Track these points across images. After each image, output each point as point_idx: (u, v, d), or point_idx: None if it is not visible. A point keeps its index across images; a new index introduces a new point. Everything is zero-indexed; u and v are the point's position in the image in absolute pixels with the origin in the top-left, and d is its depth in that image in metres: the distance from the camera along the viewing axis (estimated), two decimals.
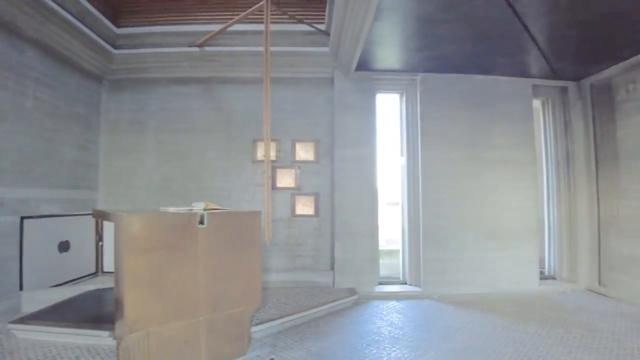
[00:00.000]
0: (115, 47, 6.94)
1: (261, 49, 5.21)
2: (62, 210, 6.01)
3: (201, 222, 3.63)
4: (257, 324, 4.48)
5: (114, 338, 3.66)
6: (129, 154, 7.07)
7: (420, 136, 6.54)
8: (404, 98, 6.86)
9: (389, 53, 5.95)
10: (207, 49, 6.80)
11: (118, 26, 6.94)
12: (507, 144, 6.62)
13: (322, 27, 6.65)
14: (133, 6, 6.92)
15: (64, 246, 5.87)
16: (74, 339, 4.02)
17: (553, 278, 6.92)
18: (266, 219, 4.99)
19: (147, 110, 7.11)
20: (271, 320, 4.67)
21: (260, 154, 6.89)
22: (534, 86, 6.80)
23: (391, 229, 7.46)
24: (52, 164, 5.88)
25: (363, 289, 6.26)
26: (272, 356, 3.89)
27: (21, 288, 5.13)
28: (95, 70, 6.73)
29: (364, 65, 6.23)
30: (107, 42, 6.75)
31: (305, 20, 6.61)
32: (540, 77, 6.72)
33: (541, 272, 6.80)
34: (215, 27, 6.47)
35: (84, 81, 6.60)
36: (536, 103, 7.12)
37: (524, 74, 6.58)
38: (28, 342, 4.04)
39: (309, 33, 6.71)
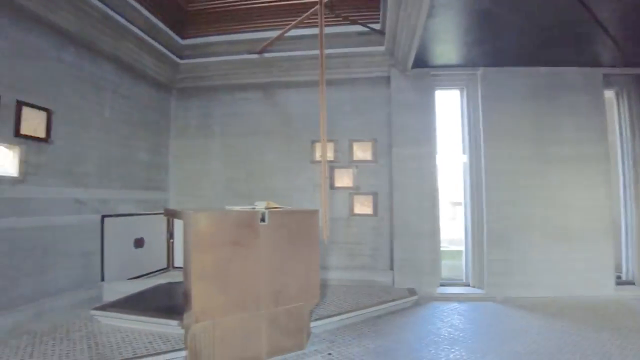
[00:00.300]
0: (181, 58, 7.43)
1: (317, 52, 5.33)
2: (137, 210, 6.53)
3: (262, 220, 3.83)
4: (316, 320, 4.59)
5: (183, 327, 3.94)
6: (196, 157, 7.54)
7: (483, 133, 6.33)
8: (465, 94, 6.68)
9: (447, 49, 5.85)
10: (266, 55, 7.06)
11: (183, 38, 7.40)
12: (577, 139, 6.22)
13: (376, 26, 6.66)
14: (196, 18, 7.33)
15: (139, 242, 6.38)
16: (147, 327, 4.35)
17: (631, 283, 6.38)
18: (324, 218, 5.09)
19: (212, 116, 7.54)
20: (330, 316, 4.76)
21: (318, 154, 7.03)
22: (605, 76, 6.33)
23: (456, 229, 7.25)
24: (128, 167, 6.42)
25: (424, 289, 6.17)
26: (330, 351, 3.97)
27: (102, 279, 5.67)
28: (164, 80, 7.25)
29: (421, 62, 6.16)
30: (174, 53, 7.24)
31: (359, 21, 6.66)
32: (612, 66, 6.25)
33: (618, 277, 6.30)
34: (273, 34, 6.71)
35: (154, 91, 7.13)
36: (609, 94, 6.61)
37: (593, 63, 6.16)
38: (108, 327, 4.45)
39: (364, 33, 6.74)
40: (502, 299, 5.94)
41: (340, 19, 6.55)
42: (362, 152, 7.04)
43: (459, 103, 6.82)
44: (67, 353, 3.70)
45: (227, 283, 3.60)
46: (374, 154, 7.00)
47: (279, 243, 3.90)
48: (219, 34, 7.28)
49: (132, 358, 3.59)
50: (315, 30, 5.45)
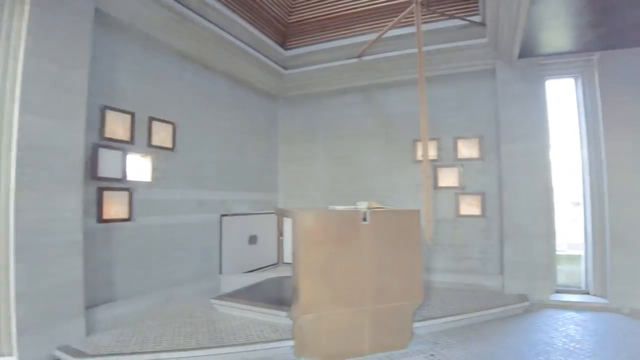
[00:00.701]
0: (286, 69, 7.92)
1: (416, 50, 5.30)
2: (250, 209, 7.14)
3: (364, 219, 3.96)
4: (419, 320, 4.58)
5: (291, 318, 4.24)
6: (302, 160, 7.98)
7: (602, 124, 5.69)
8: (579, 82, 6.07)
9: (555, 35, 5.39)
10: (365, 58, 7.19)
11: (287, 49, 7.88)
12: None
13: (476, 18, 6.36)
14: (297, 30, 7.74)
15: (252, 239, 6.95)
16: (258, 316, 4.76)
17: None
18: (426, 218, 5.02)
19: (316, 121, 7.91)
20: (433, 318, 4.71)
21: (419, 153, 6.93)
22: None
23: (577, 231, 6.58)
24: (241, 171, 7.05)
25: (536, 296, 5.73)
26: (432, 352, 3.94)
27: (220, 272, 6.31)
28: (271, 90, 7.81)
29: (527, 51, 5.76)
30: (279, 65, 7.75)
31: (457, 15, 6.42)
32: None
33: None
34: (371, 37, 6.81)
35: (263, 101, 7.72)
36: None
37: None
38: (225, 314, 4.97)
39: (464, 27, 6.49)
40: (630, 311, 5.26)
41: (438, 14, 6.40)
42: (467, 149, 6.76)
43: (574, 93, 6.21)
44: (191, 334, 4.25)
45: (332, 279, 3.80)
46: (481, 151, 6.66)
47: (380, 242, 4.00)
48: (319, 42, 7.61)
49: (245, 343, 3.99)
50: (413, 29, 5.43)
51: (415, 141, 7.02)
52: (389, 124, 7.30)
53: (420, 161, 6.84)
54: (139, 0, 4.92)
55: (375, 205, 4.42)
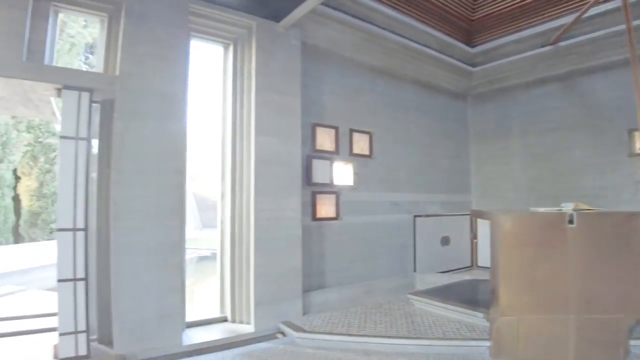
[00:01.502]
0: (473, 66, 7.77)
1: (623, 27, 4.66)
2: (442, 211, 7.29)
3: (570, 222, 3.73)
4: (638, 338, 4.07)
5: (488, 319, 4.27)
6: (496, 159, 7.70)
7: None
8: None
9: None
10: (561, 44, 6.56)
11: (472, 46, 7.72)
12: None
13: None
14: (483, 25, 7.50)
15: (445, 241, 7.10)
16: (454, 314, 4.91)
17: None
18: None
19: (509, 117, 7.54)
20: None
21: (639, 145, 6.00)
22: None
23: None
24: (432, 173, 7.27)
25: None
26: None
27: (415, 270, 6.64)
28: (458, 90, 7.81)
29: None
30: (465, 63, 7.67)
31: None
32: None
33: None
34: (566, 20, 6.16)
35: (450, 102, 7.77)
36: None
37: None
38: (421, 310, 5.27)
39: None
40: None
41: None
42: None
43: None
44: (391, 324, 4.68)
45: (533, 283, 3.70)
46: None
47: (590, 247, 3.71)
48: (506, 35, 7.22)
49: (442, 338, 4.22)
50: (617, 2, 4.79)
51: (630, 131, 6.08)
52: (595, 113, 6.48)
53: (638, 154, 5.93)
54: (335, 28, 5.66)
55: (583, 206, 4.07)
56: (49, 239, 12.01)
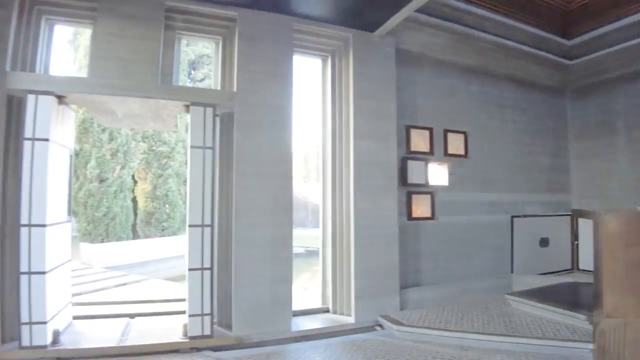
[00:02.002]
0: (570, 59, 7.43)
1: None
2: (541, 211, 7.08)
3: None
4: None
5: (591, 322, 4.16)
6: (598, 156, 7.27)
7: None
8: None
9: None
10: None
11: (569, 39, 7.37)
12: None
13: None
14: (580, 16, 7.14)
15: (544, 242, 6.91)
16: (554, 316, 4.83)
17: None
18: None
19: (613, 111, 7.07)
20: None
21: None
22: None
23: None
24: (531, 172, 7.08)
25: None
26: None
27: (512, 271, 6.55)
28: (556, 85, 7.51)
29: None
30: (562, 57, 7.38)
31: None
32: None
33: None
34: None
35: (548, 97, 7.49)
36: None
37: None
38: (518, 310, 5.25)
39: None
40: None
41: None
42: None
43: None
44: (488, 322, 4.75)
45: None
46: None
47: None
48: (606, 24, 6.80)
49: (542, 338, 4.21)
50: None
51: None
52: None
53: None
54: (427, 32, 5.83)
55: None
56: (161, 236, 13.51)
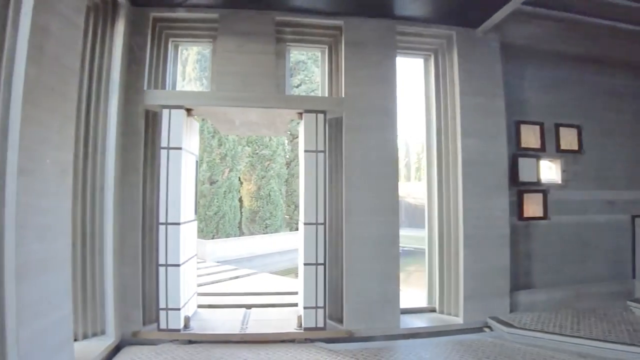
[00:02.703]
0: None
1: None
2: None
3: None
4: None
5: None
6: None
7: None
8: None
9: None
10: None
11: None
12: None
13: None
14: None
15: None
16: None
17: None
18: None
19: None
20: None
21: None
22: None
23: None
24: None
25: None
26: None
27: (634, 276, 5.99)
28: None
29: None
30: None
31: None
32: None
33: None
34: None
35: None
36: None
37: None
38: None
39: None
40: None
41: None
42: None
43: None
44: (609, 330, 4.46)
45: None
46: None
47: None
48: None
49: None
50: None
51: None
52: None
53: None
54: (532, 23, 5.50)
55: None
56: (264, 233, 14.46)
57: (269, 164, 14.79)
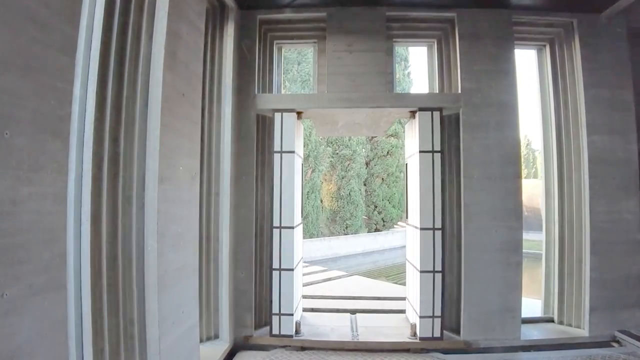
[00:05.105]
0: None
1: None
2: None
3: None
4: None
5: None
6: None
7: None
8: None
9: None
10: None
11: None
12: None
13: None
14: None
15: None
16: None
17: None
18: None
19: None
20: None
21: None
22: None
23: None
24: None
25: None
26: None
27: None
28: None
29: None
30: None
31: None
32: None
33: None
34: None
35: None
36: None
37: None
38: None
39: None
40: None
41: None
42: None
43: None
44: None
45: None
46: None
47: None
48: None
49: None
50: None
51: None
52: None
53: None
54: None
55: None
56: (345, 234, 14.43)
57: (349, 164, 14.69)
